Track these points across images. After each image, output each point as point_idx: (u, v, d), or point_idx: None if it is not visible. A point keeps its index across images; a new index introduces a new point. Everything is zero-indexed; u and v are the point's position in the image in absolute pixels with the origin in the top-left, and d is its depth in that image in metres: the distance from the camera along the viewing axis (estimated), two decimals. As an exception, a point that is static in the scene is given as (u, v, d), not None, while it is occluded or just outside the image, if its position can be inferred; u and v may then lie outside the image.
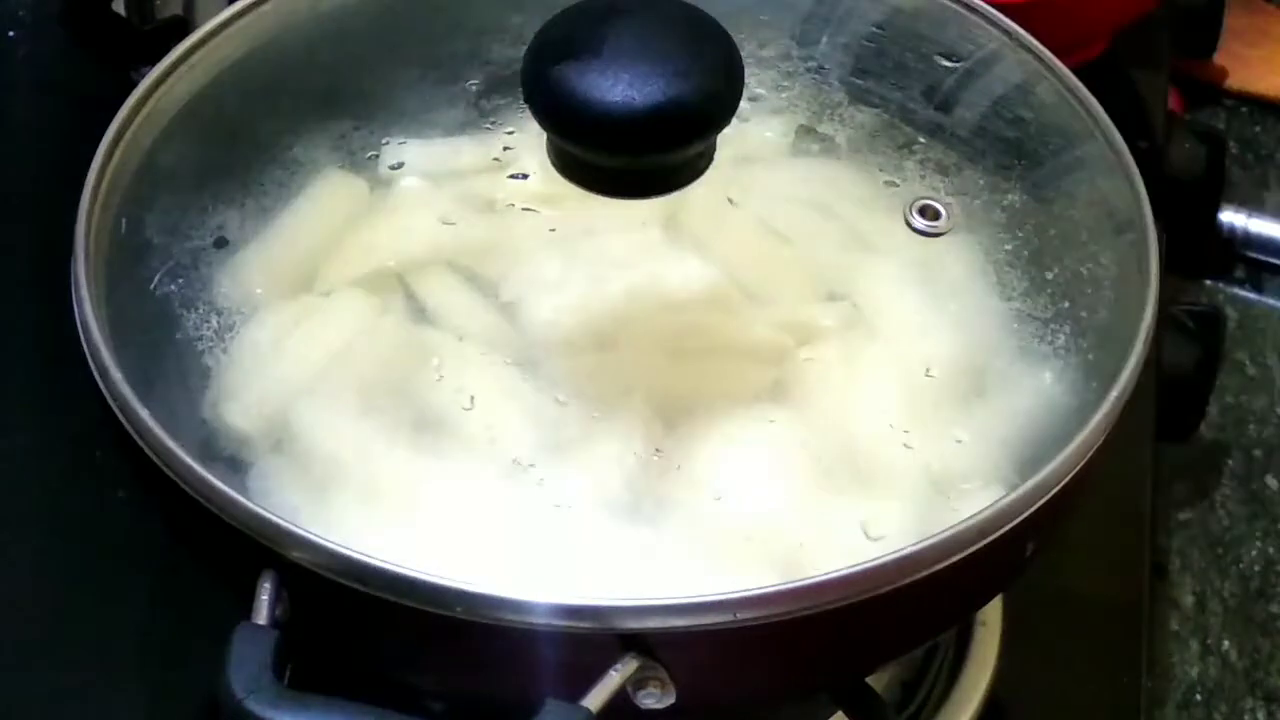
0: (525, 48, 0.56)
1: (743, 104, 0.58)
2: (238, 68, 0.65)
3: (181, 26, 0.81)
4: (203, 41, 0.65)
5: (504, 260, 0.62)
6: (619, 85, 0.56)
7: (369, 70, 0.66)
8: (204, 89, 0.65)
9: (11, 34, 0.90)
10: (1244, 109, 1.07)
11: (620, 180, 0.58)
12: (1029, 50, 0.67)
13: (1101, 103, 0.65)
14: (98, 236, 0.60)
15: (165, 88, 0.64)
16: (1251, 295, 0.98)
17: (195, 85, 0.64)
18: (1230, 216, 0.99)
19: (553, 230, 0.62)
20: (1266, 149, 1.05)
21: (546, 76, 0.55)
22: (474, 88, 0.66)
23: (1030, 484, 0.55)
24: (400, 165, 0.64)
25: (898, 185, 0.65)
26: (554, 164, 0.58)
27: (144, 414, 0.55)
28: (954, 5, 0.68)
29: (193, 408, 0.58)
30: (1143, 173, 0.62)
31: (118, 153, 0.61)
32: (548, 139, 0.58)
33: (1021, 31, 0.67)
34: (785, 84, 0.66)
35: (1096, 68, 0.84)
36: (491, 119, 0.65)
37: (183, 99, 0.64)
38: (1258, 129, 1.06)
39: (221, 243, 0.62)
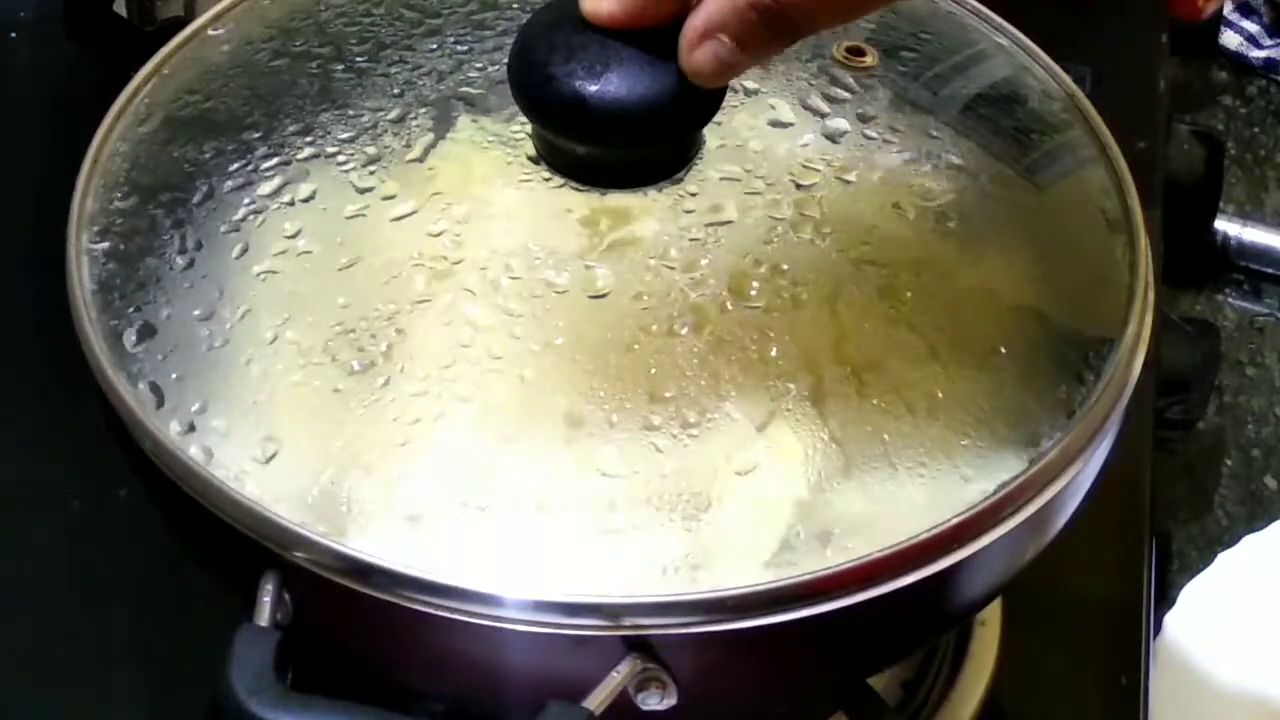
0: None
1: (730, 95, 0.59)
2: (228, 64, 0.66)
3: (182, 27, 0.81)
4: (192, 37, 0.65)
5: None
6: (604, 79, 0.56)
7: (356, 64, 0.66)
8: (195, 85, 0.65)
9: (13, 35, 0.90)
10: (1244, 110, 1.07)
11: (608, 172, 0.59)
12: (1024, 50, 0.67)
13: (1099, 103, 0.65)
14: (93, 236, 0.60)
15: (156, 84, 0.64)
16: (1250, 295, 0.98)
17: (186, 81, 0.65)
18: (1225, 225, 0.99)
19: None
20: (1265, 150, 1.05)
21: (532, 70, 0.56)
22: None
23: (1030, 484, 0.56)
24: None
25: (889, 185, 0.65)
26: (540, 154, 0.59)
27: (144, 415, 0.55)
28: (950, 4, 0.68)
29: (192, 407, 0.58)
30: (1141, 174, 0.62)
31: (107, 150, 0.61)
32: (533, 129, 0.58)
33: (1015, 31, 0.67)
34: (771, 75, 0.67)
35: (1095, 67, 0.84)
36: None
37: (174, 95, 0.64)
38: (1257, 130, 1.06)
39: (219, 241, 0.62)
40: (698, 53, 0.55)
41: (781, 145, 0.64)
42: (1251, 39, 1.10)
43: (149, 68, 0.64)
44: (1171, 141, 0.93)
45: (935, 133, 0.66)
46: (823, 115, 0.65)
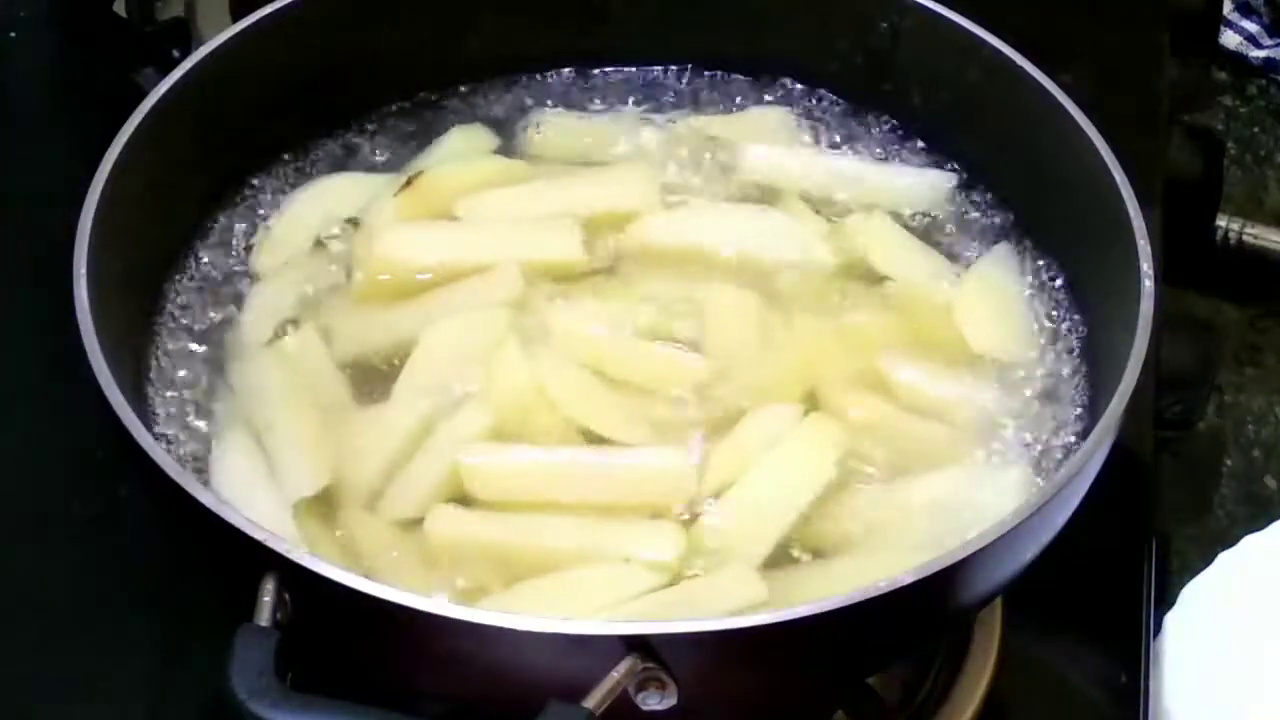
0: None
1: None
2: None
3: (182, 28, 0.81)
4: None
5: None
6: None
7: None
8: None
9: (13, 34, 0.90)
10: (1244, 110, 1.07)
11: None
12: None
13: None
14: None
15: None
16: (1251, 296, 0.98)
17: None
18: (1225, 225, 0.99)
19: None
20: (1265, 150, 1.05)
21: None
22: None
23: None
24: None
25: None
26: None
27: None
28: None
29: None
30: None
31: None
32: None
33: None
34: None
35: (1095, 67, 0.84)
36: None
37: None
38: (1256, 130, 1.06)
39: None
40: None
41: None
42: (1251, 39, 1.10)
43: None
44: (1171, 141, 0.93)
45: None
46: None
